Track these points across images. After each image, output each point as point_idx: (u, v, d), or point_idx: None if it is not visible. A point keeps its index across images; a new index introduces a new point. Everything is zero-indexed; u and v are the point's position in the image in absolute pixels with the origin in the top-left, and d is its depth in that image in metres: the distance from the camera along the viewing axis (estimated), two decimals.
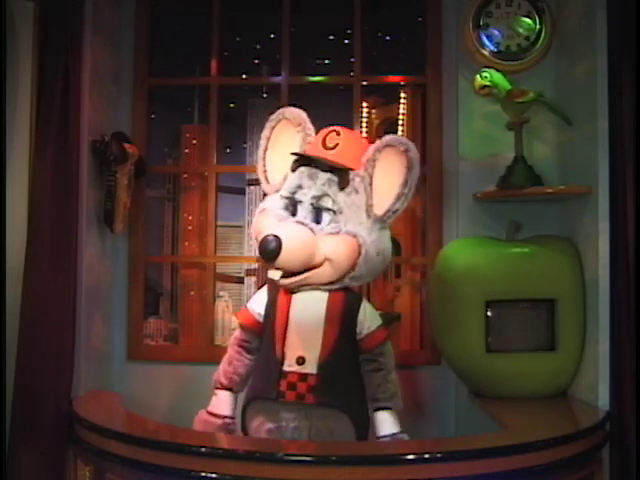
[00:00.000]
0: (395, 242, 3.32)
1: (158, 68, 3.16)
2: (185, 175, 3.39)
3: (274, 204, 2.32)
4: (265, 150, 2.42)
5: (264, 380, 2.27)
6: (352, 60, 3.12)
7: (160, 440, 2.10)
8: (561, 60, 2.78)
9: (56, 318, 2.49)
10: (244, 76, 3.39)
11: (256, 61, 3.56)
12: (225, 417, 2.35)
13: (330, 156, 2.27)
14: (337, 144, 2.28)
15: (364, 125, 3.30)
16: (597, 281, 2.42)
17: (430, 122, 3.04)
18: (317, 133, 2.39)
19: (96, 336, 2.85)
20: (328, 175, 2.26)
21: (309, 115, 2.43)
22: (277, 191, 2.36)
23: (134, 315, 3.07)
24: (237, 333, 2.42)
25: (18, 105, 2.58)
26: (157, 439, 2.11)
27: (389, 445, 2.25)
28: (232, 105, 3.85)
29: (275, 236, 2.10)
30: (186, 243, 3.33)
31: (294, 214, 2.28)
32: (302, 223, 2.22)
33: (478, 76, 2.61)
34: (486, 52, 2.81)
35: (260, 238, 2.15)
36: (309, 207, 2.26)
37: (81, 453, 2.33)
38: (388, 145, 2.25)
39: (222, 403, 2.36)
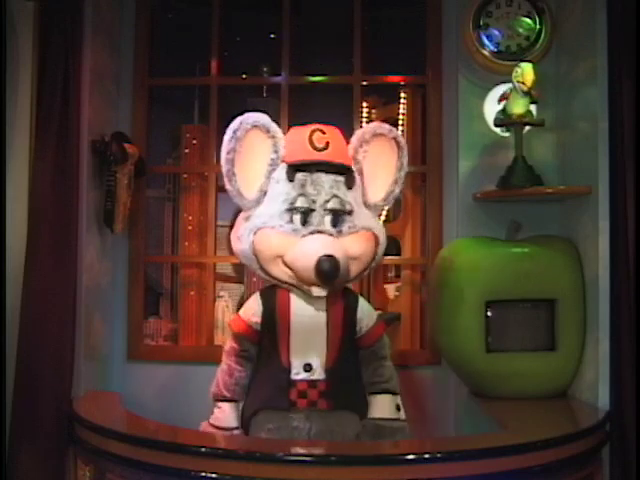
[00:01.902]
0: (395, 242, 3.34)
1: (158, 68, 3.16)
2: (185, 175, 3.38)
3: (273, 220, 2.21)
4: (234, 164, 2.21)
5: (272, 390, 2.23)
6: (352, 60, 3.12)
7: (160, 440, 2.10)
8: (561, 60, 2.78)
9: (56, 318, 2.49)
10: (244, 76, 3.38)
11: (256, 61, 3.56)
12: (233, 429, 2.30)
13: (326, 156, 2.23)
14: (327, 143, 2.23)
15: (364, 125, 3.29)
16: (597, 281, 2.42)
17: (430, 122, 3.04)
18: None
19: (96, 336, 2.85)
20: (332, 176, 2.24)
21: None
22: (258, 203, 2.26)
23: (134, 315, 3.08)
24: (232, 343, 2.33)
25: (18, 105, 2.58)
26: (157, 439, 2.12)
27: (389, 445, 2.25)
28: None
29: (331, 256, 2.09)
30: (186, 243, 3.32)
31: (304, 223, 2.21)
32: (321, 232, 2.20)
33: (532, 71, 2.52)
34: (486, 52, 2.81)
35: (314, 260, 2.09)
36: (323, 212, 2.22)
37: (81, 453, 2.33)
38: (376, 134, 2.34)
39: (228, 416, 2.30)
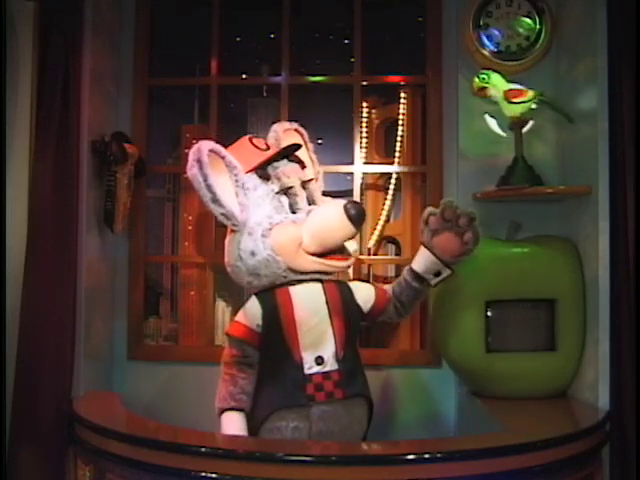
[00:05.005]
0: (395, 242, 3.34)
1: (158, 68, 3.16)
2: (185, 175, 3.38)
3: (275, 218, 2.28)
4: (214, 189, 2.24)
5: (287, 389, 2.23)
6: (352, 60, 3.12)
7: (160, 440, 2.10)
8: (561, 60, 2.78)
9: (56, 318, 2.48)
10: (244, 76, 3.38)
11: (256, 61, 3.56)
12: None
13: (278, 148, 2.44)
14: (266, 143, 2.46)
15: (364, 125, 3.29)
16: (597, 281, 2.42)
17: (430, 122, 3.04)
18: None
19: (96, 336, 2.85)
20: (290, 163, 2.42)
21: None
22: (246, 220, 2.30)
23: (134, 315, 3.08)
24: (233, 350, 2.32)
25: (18, 105, 2.58)
26: (157, 439, 2.12)
27: (389, 445, 2.25)
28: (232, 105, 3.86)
29: (352, 201, 2.26)
30: (186, 243, 3.32)
31: (296, 211, 2.34)
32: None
33: (476, 78, 2.61)
34: (486, 52, 2.81)
35: (341, 209, 2.21)
36: (303, 193, 2.39)
37: (81, 453, 2.33)
38: (285, 130, 2.61)
39: (239, 426, 2.25)
